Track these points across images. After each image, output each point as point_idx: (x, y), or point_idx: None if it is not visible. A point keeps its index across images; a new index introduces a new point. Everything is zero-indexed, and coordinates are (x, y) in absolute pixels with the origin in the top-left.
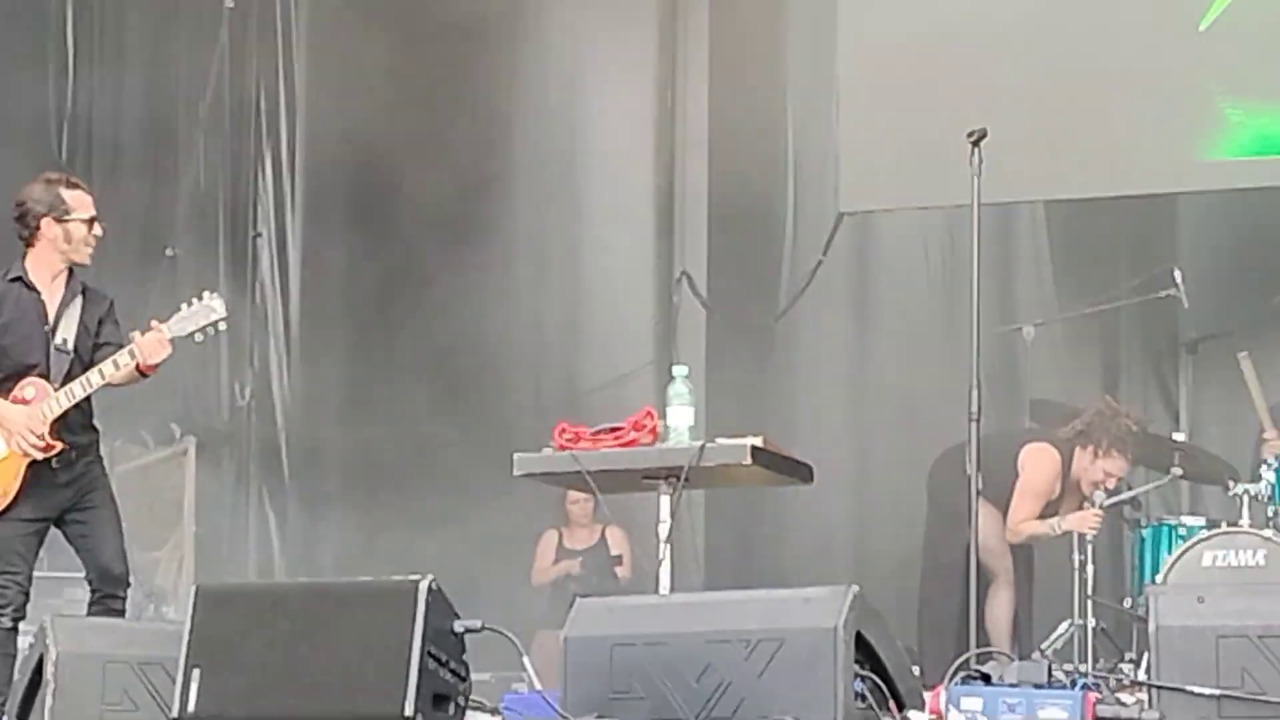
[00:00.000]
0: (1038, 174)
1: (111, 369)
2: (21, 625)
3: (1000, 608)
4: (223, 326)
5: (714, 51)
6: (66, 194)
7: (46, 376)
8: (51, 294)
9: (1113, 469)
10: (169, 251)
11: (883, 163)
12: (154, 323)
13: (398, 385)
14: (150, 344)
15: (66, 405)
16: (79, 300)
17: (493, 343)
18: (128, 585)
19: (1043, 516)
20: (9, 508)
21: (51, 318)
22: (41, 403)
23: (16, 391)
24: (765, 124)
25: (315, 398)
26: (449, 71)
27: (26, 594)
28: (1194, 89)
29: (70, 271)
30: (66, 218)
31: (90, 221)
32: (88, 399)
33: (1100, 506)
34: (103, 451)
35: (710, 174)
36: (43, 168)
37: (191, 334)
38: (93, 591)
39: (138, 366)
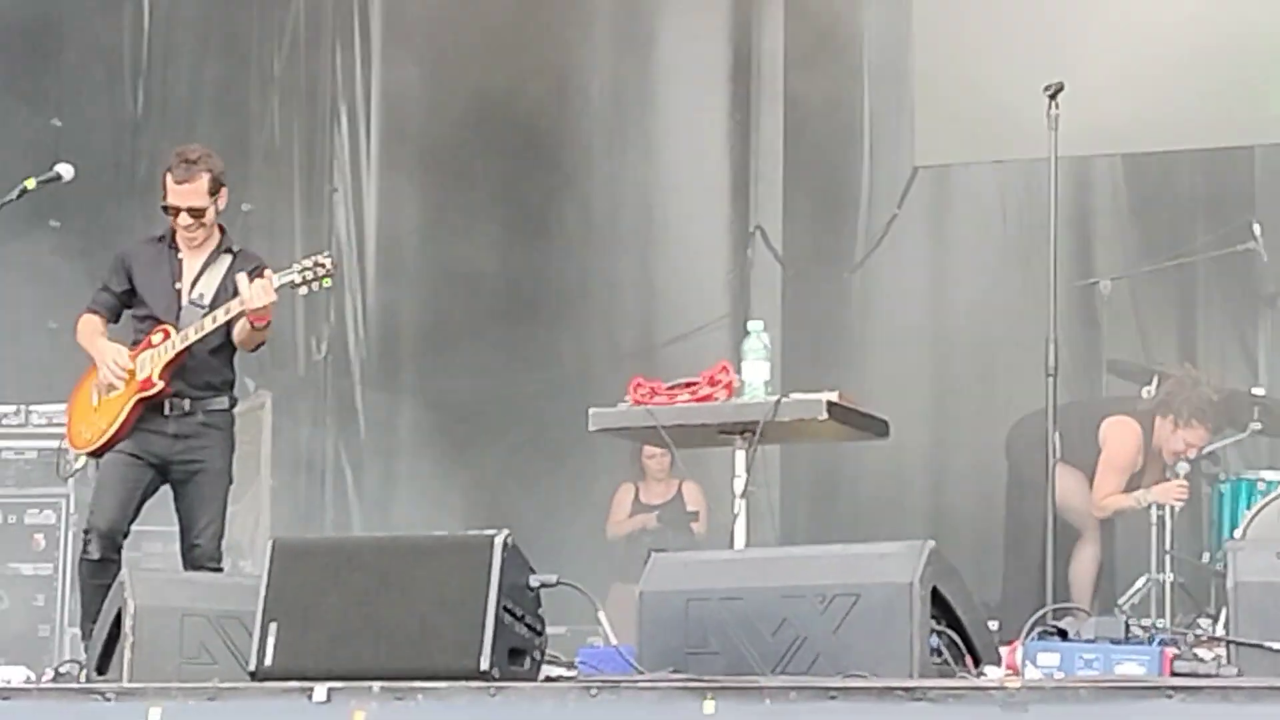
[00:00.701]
0: (1115, 127)
1: (222, 314)
2: None
3: (1084, 564)
4: (328, 283)
5: (789, 4)
6: (167, 176)
7: (177, 328)
8: (195, 253)
9: (1193, 439)
10: (244, 207)
11: (958, 116)
12: (266, 272)
13: (473, 340)
14: (255, 288)
15: (181, 347)
16: (227, 259)
17: (568, 297)
18: (215, 569)
19: (1128, 489)
20: (114, 442)
21: (190, 275)
22: (161, 345)
23: (146, 337)
24: (841, 77)
25: (391, 352)
26: (523, 26)
27: (114, 524)
28: (1273, 40)
29: (222, 232)
30: (163, 198)
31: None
32: (227, 360)
33: (1185, 476)
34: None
35: (785, 128)
36: (119, 125)
37: (298, 285)
38: (183, 560)
39: (248, 316)
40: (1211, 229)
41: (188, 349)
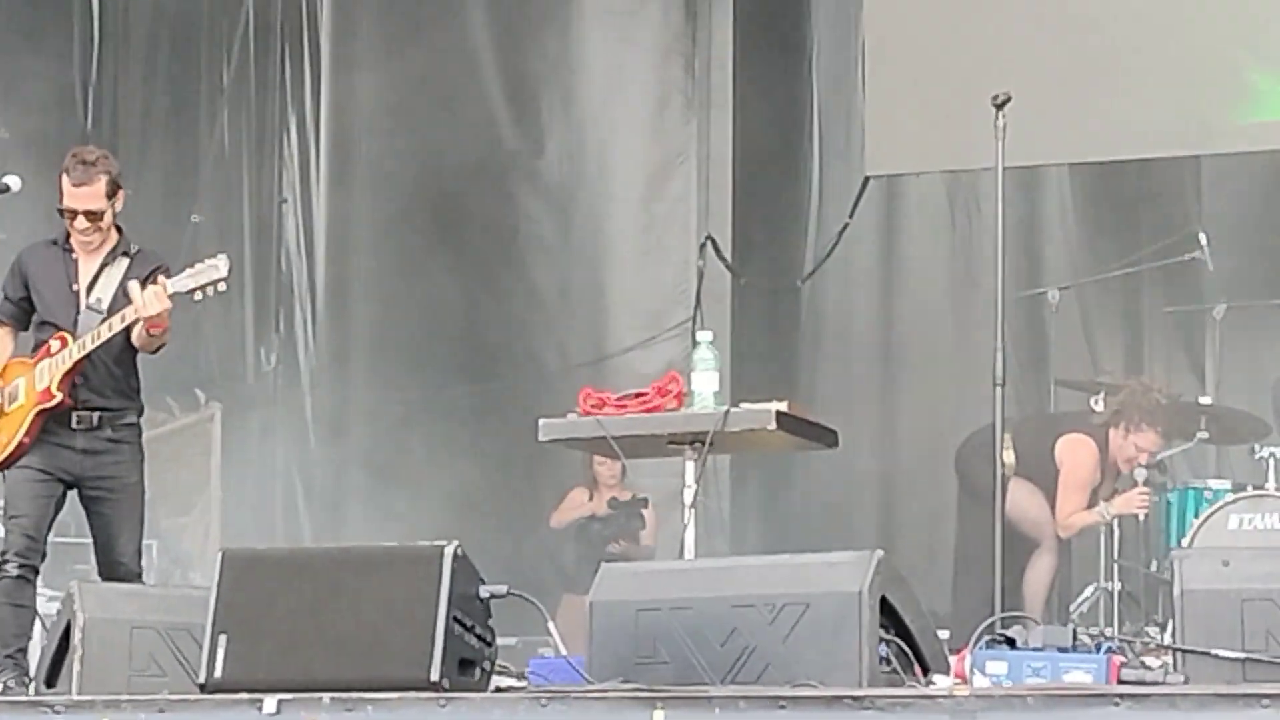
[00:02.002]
0: (1063, 137)
1: (118, 322)
2: (49, 591)
3: (1039, 574)
4: (223, 287)
5: (739, 13)
6: (64, 178)
7: (74, 334)
8: (92, 255)
9: (1145, 444)
10: (194, 218)
11: (908, 126)
12: (159, 278)
13: (423, 350)
14: (148, 296)
15: (79, 356)
16: (124, 262)
17: (518, 308)
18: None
19: (1089, 505)
20: (18, 457)
21: (85, 279)
22: (59, 355)
23: (45, 345)
24: (790, 87)
25: (341, 363)
26: (475, 36)
27: (33, 541)
28: (1220, 51)
29: (119, 233)
30: (59, 200)
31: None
32: (130, 367)
33: (1144, 483)
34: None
35: (735, 137)
36: (68, 136)
37: (192, 291)
38: (103, 576)
39: (144, 324)
40: (1158, 239)
41: (86, 357)
